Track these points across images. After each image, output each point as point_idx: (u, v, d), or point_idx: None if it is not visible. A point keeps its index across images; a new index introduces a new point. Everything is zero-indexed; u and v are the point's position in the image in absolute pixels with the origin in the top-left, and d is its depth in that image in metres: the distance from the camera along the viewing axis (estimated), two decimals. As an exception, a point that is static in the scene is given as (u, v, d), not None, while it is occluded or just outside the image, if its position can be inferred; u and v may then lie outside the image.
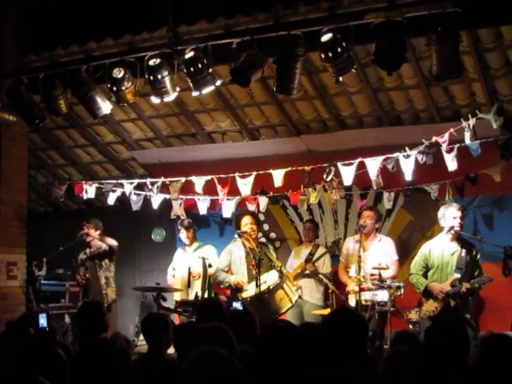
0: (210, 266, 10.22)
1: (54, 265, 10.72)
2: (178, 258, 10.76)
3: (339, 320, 4.40)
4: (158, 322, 5.89)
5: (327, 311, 8.97)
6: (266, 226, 11.59)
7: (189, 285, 10.15)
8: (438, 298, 8.27)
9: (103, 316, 6.45)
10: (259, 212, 10.56)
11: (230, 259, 9.73)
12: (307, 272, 10.06)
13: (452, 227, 8.40)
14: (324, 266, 10.17)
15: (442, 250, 8.48)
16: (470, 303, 8.44)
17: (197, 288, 10.07)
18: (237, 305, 8.81)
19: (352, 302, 9.27)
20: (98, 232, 10.54)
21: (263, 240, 10.91)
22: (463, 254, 8.32)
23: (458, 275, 8.23)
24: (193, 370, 3.49)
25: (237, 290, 9.52)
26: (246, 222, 9.67)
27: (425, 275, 8.54)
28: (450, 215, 8.47)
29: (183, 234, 10.67)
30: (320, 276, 9.74)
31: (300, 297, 9.73)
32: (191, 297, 9.94)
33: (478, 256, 8.43)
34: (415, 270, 8.59)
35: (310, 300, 10.11)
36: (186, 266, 10.28)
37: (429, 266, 8.51)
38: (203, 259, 10.17)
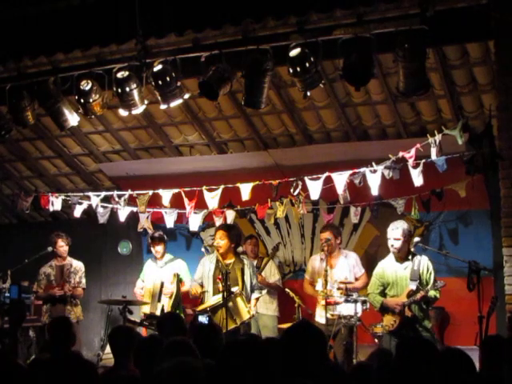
0: (181, 281, 10.16)
1: (19, 277, 10.60)
2: (148, 270, 10.47)
3: (297, 334, 4.40)
4: (125, 336, 5.84)
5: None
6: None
7: (159, 299, 9.96)
8: (396, 311, 8.34)
9: (71, 329, 6.41)
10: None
11: (202, 271, 9.65)
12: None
13: (392, 245, 8.48)
14: (271, 274, 10.24)
15: (394, 266, 8.58)
16: (428, 312, 8.53)
17: (166, 302, 9.93)
18: (202, 318, 8.78)
19: (318, 315, 9.29)
20: (67, 248, 10.52)
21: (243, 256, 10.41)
22: (415, 266, 8.40)
23: (413, 286, 8.31)
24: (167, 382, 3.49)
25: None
26: (215, 237, 9.58)
27: (383, 293, 8.63)
28: (389, 236, 8.55)
29: (153, 249, 10.44)
30: (287, 290, 9.72)
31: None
32: (159, 311, 9.85)
33: (430, 266, 8.45)
34: (371, 290, 8.71)
35: (266, 312, 10.22)
36: (157, 279, 10.08)
37: (385, 284, 8.62)
38: (177, 276, 10.04)
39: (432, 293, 8.33)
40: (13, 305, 7.57)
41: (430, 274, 8.44)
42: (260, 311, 10.08)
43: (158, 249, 10.35)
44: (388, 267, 8.64)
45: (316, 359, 4.24)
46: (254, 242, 10.71)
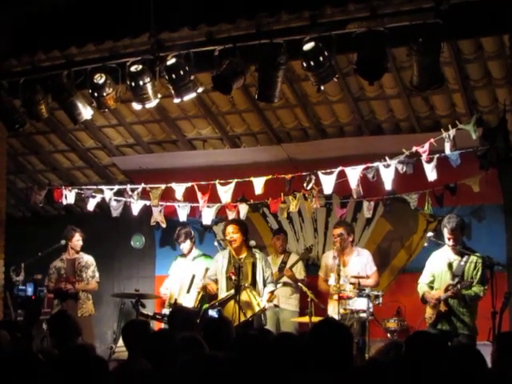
0: None
1: (32, 270, 10.64)
2: (178, 265, 10.59)
3: (326, 331, 4.37)
4: (139, 329, 5.84)
5: (305, 319, 8.97)
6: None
7: (188, 290, 10.00)
8: (431, 304, 8.30)
9: (70, 322, 6.42)
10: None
11: (216, 268, 9.56)
12: (283, 280, 10.06)
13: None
14: (297, 272, 10.20)
15: (443, 258, 8.46)
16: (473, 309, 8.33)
17: (195, 295, 9.98)
18: (213, 312, 8.80)
19: (331, 310, 9.28)
20: (82, 243, 10.56)
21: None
22: (462, 262, 8.28)
23: (451, 281, 8.20)
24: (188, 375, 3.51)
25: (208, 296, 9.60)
26: (228, 231, 9.53)
27: (432, 284, 8.52)
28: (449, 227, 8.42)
29: (179, 245, 10.62)
30: (299, 284, 9.69)
31: (277, 305, 9.84)
32: (188, 303, 9.86)
33: (479, 264, 8.19)
34: (421, 280, 8.62)
35: (287, 307, 10.16)
36: (189, 272, 10.15)
37: (434, 275, 8.52)
38: (207, 270, 10.06)
39: (476, 289, 8.16)
40: (28, 303, 7.60)
41: (478, 271, 8.22)
42: (281, 306, 10.10)
43: (184, 246, 10.55)
44: (438, 258, 8.53)
45: (343, 355, 4.22)
46: (282, 238, 10.62)
